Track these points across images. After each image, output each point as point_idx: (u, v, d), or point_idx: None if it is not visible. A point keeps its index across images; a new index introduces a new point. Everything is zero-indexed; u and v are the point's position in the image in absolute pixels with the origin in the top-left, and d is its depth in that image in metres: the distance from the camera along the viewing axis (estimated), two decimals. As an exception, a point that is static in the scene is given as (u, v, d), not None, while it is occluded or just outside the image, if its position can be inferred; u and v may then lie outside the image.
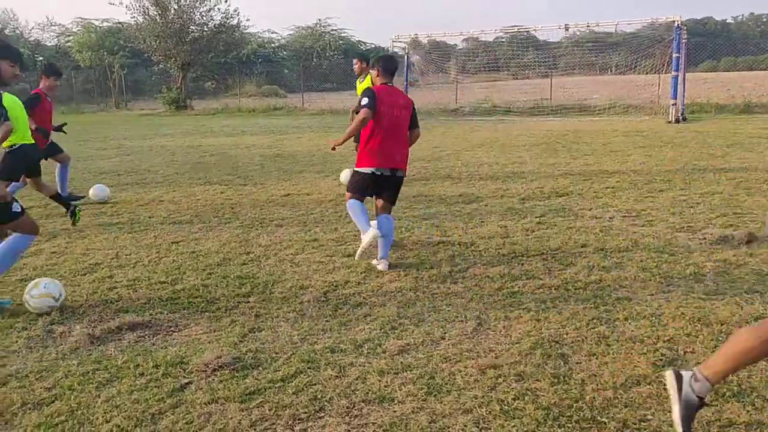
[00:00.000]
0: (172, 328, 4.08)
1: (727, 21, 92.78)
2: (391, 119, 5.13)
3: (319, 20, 54.25)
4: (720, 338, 3.60)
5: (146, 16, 31.91)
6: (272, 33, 55.12)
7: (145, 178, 10.40)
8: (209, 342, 3.83)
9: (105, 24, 46.04)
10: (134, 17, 32.99)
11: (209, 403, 3.12)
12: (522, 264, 5.12)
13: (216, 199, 8.32)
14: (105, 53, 40.31)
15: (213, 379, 3.36)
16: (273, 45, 54.16)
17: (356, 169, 5.33)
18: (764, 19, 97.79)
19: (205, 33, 32.63)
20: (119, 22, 43.49)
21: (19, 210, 4.38)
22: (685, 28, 18.44)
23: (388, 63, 5.33)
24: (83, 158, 13.34)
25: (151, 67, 42.63)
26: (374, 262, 5.16)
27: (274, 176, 10.09)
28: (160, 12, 31.42)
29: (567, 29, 20.63)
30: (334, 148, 5.60)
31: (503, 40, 41.60)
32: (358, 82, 8.78)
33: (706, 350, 3.47)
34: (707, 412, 2.83)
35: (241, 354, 3.64)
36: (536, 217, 6.65)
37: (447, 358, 3.52)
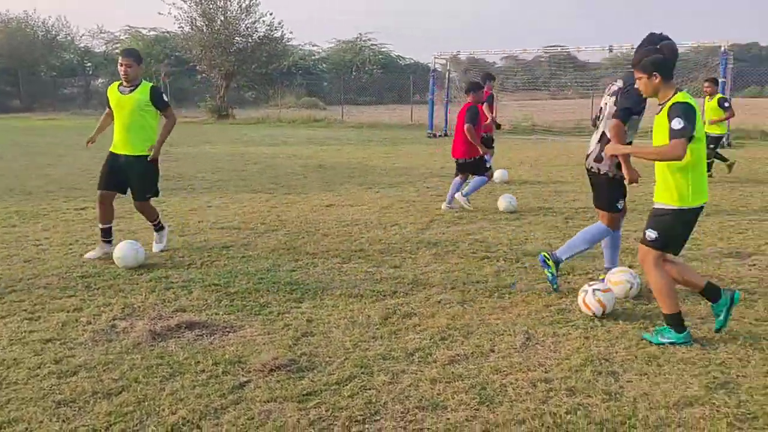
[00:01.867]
0: (227, 329, 4.22)
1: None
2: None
3: (360, 35, 54.86)
4: (773, 364, 3.60)
5: (193, 27, 32.69)
6: (313, 46, 55.71)
7: (193, 184, 10.68)
8: (264, 344, 3.97)
9: (152, 33, 47.33)
10: (181, 27, 33.84)
11: (268, 401, 3.24)
12: (569, 282, 5.16)
13: (262, 207, 8.51)
14: (152, 61, 41.32)
15: (270, 379, 3.48)
16: (313, 58, 54.90)
17: None
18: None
19: (249, 44, 33.28)
20: (167, 32, 44.69)
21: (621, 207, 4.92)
22: (731, 53, 18.21)
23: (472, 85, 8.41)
24: (131, 162, 13.73)
25: (194, 75, 43.60)
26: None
27: (317, 187, 10.27)
28: (207, 23, 32.17)
29: (611, 50, 20.52)
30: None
31: (543, 59, 41.54)
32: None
33: (758, 375, 3.47)
34: None
35: (296, 356, 3.76)
36: (581, 237, 6.65)
37: (497, 369, 3.58)
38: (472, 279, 5.24)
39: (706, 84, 11.36)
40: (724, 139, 17.11)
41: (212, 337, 4.08)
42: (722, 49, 17.91)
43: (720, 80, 17.74)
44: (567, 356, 3.75)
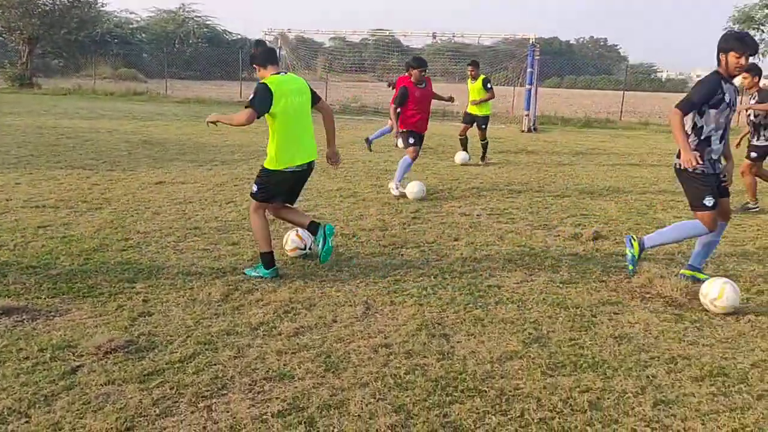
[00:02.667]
0: (52, 313, 3.93)
1: (571, 42, 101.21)
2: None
3: (183, 5, 52.11)
4: (575, 320, 4.14)
5: (-13, -17, 28.89)
6: (130, 13, 51.99)
7: (-5, 158, 9.58)
8: (97, 326, 3.76)
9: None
10: (-28, -18, 29.75)
11: (106, 384, 3.11)
12: (402, 255, 5.46)
13: (82, 185, 7.89)
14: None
15: (107, 362, 3.32)
16: (131, 26, 51.24)
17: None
18: (602, 43, 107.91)
19: (57, 6, 30.18)
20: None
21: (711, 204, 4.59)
22: (538, 45, 20.00)
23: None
24: None
25: (-12, 38, 38.68)
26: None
27: (144, 163, 9.72)
28: (4, -21, 28.60)
29: (434, 37, 21.58)
30: None
31: (369, 41, 42.55)
32: None
33: (565, 329, 3.98)
34: (568, 380, 3.29)
35: (133, 337, 3.62)
36: (411, 213, 7.05)
37: (341, 338, 3.73)
38: (311, 254, 5.33)
39: (470, 67, 11.55)
40: (531, 124, 18.96)
41: (35, 323, 3.78)
42: (530, 41, 19.59)
43: (528, 70, 19.50)
44: (404, 322, 4.00)
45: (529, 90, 19.18)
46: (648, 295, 4.64)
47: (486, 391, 3.17)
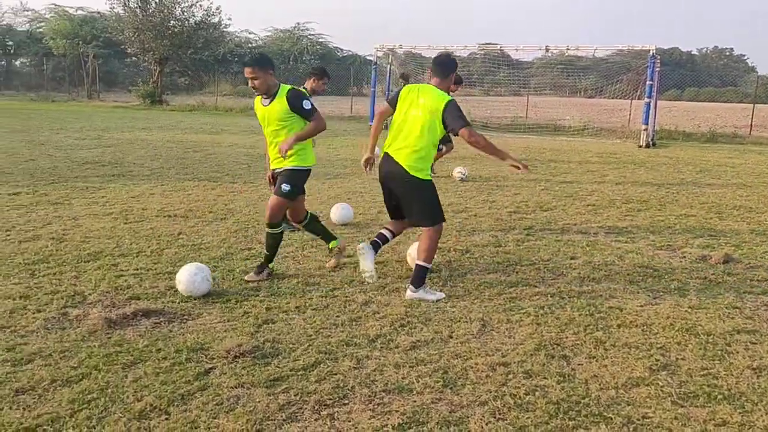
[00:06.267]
0: (186, 317, 4.19)
1: (692, 53, 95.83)
2: None
3: (298, 24, 54.38)
4: (707, 348, 3.89)
5: (126, 8, 31.57)
6: (250, 33, 54.91)
7: (132, 170, 10.39)
8: (226, 331, 3.97)
9: (80, 12, 45.47)
10: (113, 8, 32.65)
11: (236, 387, 3.26)
12: (517, 272, 5.36)
13: (208, 196, 8.38)
14: (80, 42, 39.67)
15: (236, 365, 3.49)
16: (250, 45, 54.01)
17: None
18: (727, 53, 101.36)
19: (185, 29, 32.41)
20: (97, 12, 43.04)
21: None
22: (658, 57, 19.11)
23: None
24: (63, 147, 13.18)
25: (124, 59, 42.11)
26: None
27: (263, 176, 10.17)
28: (140, 4, 31.12)
29: (547, 50, 21.15)
30: None
31: (477, 56, 42.38)
32: None
33: (696, 358, 3.75)
34: (702, 412, 3.10)
35: (259, 343, 3.79)
36: (525, 230, 6.92)
37: (458, 354, 3.72)
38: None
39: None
40: (650, 139, 18.10)
41: (171, 325, 4.04)
42: (650, 53, 18.75)
43: (648, 83, 18.66)
44: (521, 341, 3.93)
45: (648, 103, 18.36)
46: (790, 325, 4.29)
47: (612, 418, 3.04)
